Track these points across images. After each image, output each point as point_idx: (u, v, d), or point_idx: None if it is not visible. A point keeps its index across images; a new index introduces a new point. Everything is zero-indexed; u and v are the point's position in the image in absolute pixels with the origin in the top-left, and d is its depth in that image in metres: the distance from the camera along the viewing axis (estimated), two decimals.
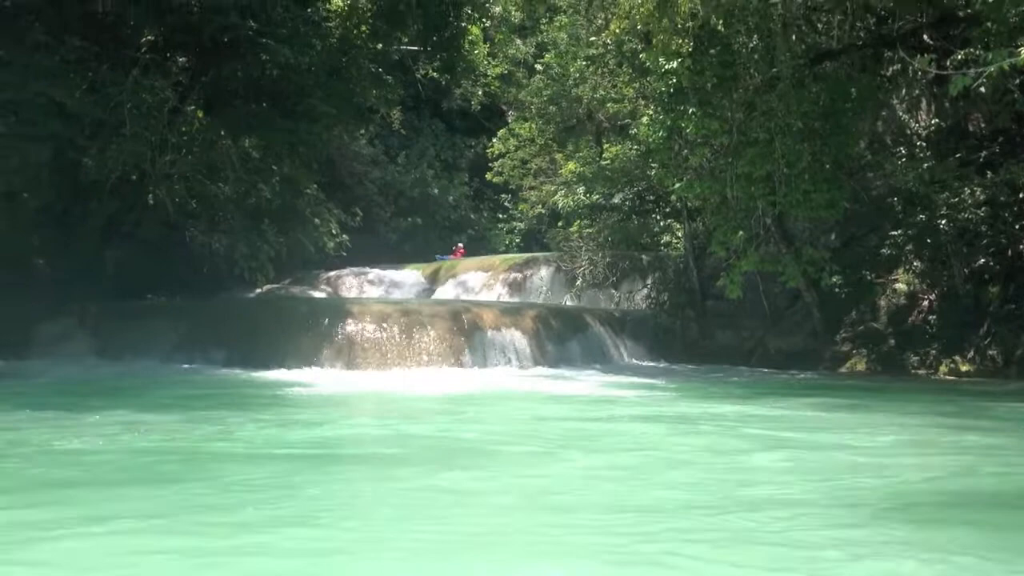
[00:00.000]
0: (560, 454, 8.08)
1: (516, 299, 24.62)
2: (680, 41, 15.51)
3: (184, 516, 5.49)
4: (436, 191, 37.03)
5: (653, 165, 18.94)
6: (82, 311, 17.62)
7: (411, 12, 21.66)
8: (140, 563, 4.59)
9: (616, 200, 24.60)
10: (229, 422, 9.49)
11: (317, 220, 29.32)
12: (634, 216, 25.04)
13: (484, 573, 4.60)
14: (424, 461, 7.67)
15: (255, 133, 20.55)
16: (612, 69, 22.38)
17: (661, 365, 18.64)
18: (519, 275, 26.25)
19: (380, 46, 22.24)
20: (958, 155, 17.05)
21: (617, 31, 18.56)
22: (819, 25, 17.21)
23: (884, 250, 17.69)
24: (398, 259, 32.57)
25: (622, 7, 17.53)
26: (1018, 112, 16.45)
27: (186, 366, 15.93)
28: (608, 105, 23.68)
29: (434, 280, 27.96)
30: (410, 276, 28.71)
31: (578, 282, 24.16)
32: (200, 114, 20.62)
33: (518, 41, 34.18)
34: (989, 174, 16.54)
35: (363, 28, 21.54)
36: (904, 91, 18.76)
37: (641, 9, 15.67)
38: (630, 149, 22.72)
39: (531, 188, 31.37)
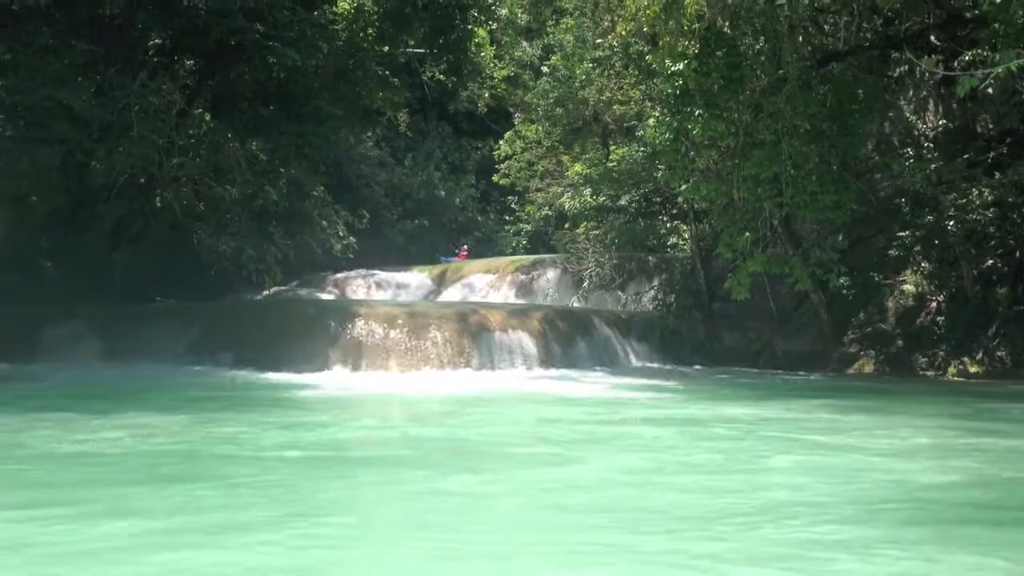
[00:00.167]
0: (573, 457, 8.05)
1: (523, 301, 24.60)
2: (686, 43, 15.48)
3: (190, 517, 5.50)
4: (443, 193, 37.05)
5: (660, 167, 18.90)
6: (90, 314, 17.63)
7: (417, 15, 21.69)
8: (143, 563, 4.60)
9: (623, 202, 24.54)
10: (237, 424, 9.50)
11: (324, 222, 29.40)
12: (641, 218, 24.98)
13: None
14: (433, 464, 7.66)
15: (262, 136, 20.58)
16: (618, 71, 22.35)
17: (668, 367, 18.59)
18: (526, 277, 26.25)
19: (386, 49, 22.28)
20: (966, 156, 16.99)
21: (623, 33, 18.54)
22: (826, 26, 17.18)
23: (892, 251, 17.63)
24: (405, 261, 32.62)
25: (628, 9, 17.53)
26: None
27: (194, 368, 15.94)
28: (614, 107, 23.66)
29: (441, 282, 27.98)
30: (417, 278, 28.73)
31: (585, 284, 24.14)
32: (207, 117, 20.68)
33: (524, 43, 34.16)
34: (997, 175, 16.49)
35: (369, 31, 21.58)
36: (911, 92, 18.72)
37: (647, 11, 15.66)
38: (637, 151, 22.66)
39: (538, 190, 31.33)
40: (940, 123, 18.37)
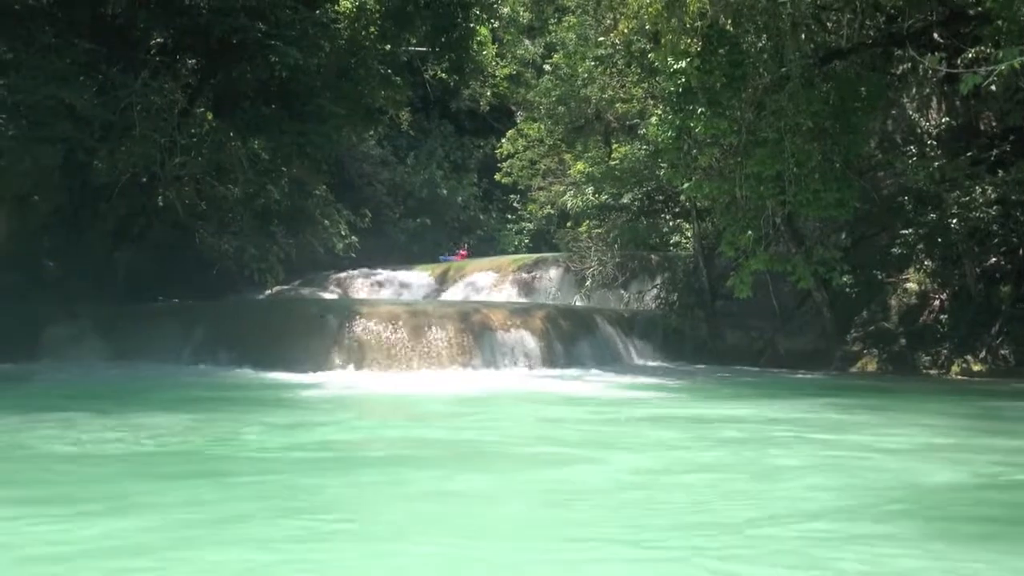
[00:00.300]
0: (578, 457, 8.02)
1: (525, 300, 24.59)
2: (689, 41, 15.45)
3: (192, 517, 5.49)
4: (445, 192, 37.03)
5: (662, 165, 18.87)
6: (92, 313, 17.64)
7: (419, 13, 21.66)
8: (145, 563, 4.59)
9: (625, 200, 24.52)
10: (239, 424, 9.48)
11: (326, 221, 29.37)
12: (643, 216, 24.97)
13: None
14: (436, 464, 7.64)
15: (264, 134, 20.56)
16: (621, 69, 22.32)
17: (670, 365, 18.58)
18: (528, 276, 26.23)
19: (388, 47, 22.25)
20: (969, 154, 16.94)
21: (626, 31, 18.51)
22: (828, 24, 17.14)
23: (895, 249, 17.59)
24: (407, 260, 32.60)
25: (630, 7, 17.50)
26: None
27: (196, 368, 15.93)
28: (617, 105, 23.62)
29: (443, 281, 27.97)
30: (419, 277, 28.73)
31: (587, 282, 24.12)
32: (209, 116, 20.68)
33: (526, 42, 34.11)
34: (1000, 173, 16.44)
35: (371, 29, 21.55)
36: (914, 90, 18.67)
37: (650, 9, 15.62)
38: (639, 149, 22.64)
39: (540, 188, 31.31)
40: (943, 121, 18.33)
